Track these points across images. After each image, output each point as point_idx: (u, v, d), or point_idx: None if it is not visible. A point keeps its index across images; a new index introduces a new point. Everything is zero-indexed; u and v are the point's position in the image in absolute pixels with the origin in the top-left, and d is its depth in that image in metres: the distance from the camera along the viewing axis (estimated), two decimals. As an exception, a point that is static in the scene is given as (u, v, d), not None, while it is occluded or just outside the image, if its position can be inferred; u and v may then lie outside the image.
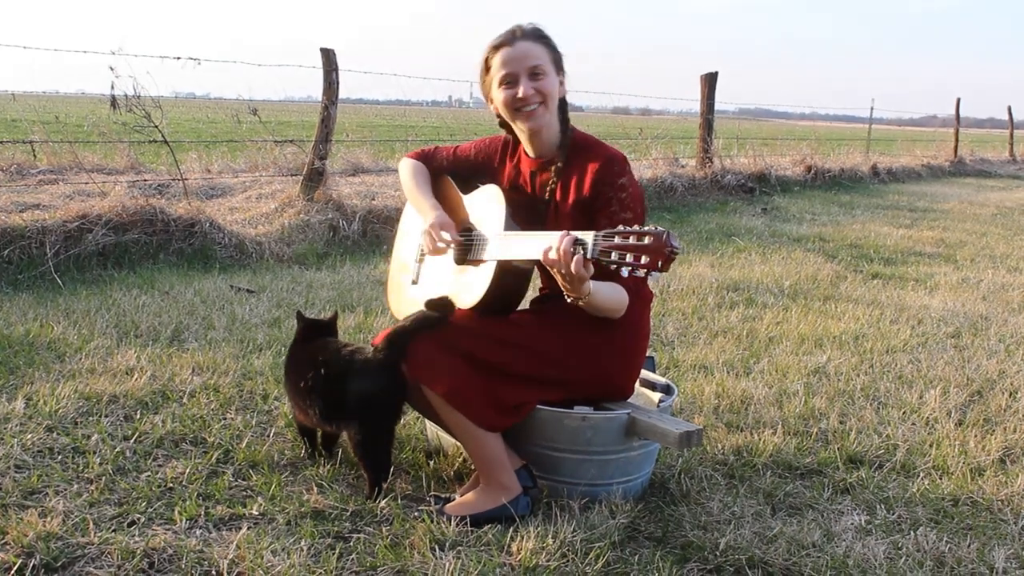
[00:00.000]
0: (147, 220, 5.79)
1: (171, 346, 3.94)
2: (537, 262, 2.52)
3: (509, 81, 2.64)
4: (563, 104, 2.73)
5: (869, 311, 5.27)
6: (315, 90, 7.46)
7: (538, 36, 2.66)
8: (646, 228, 2.18)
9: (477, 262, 2.66)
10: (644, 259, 2.15)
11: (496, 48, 2.65)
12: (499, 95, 2.66)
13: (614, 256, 2.20)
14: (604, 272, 2.33)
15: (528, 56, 2.62)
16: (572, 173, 2.66)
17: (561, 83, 2.70)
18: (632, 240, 2.18)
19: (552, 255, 2.33)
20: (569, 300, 2.45)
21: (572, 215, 2.61)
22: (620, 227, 2.23)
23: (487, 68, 2.69)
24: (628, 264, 2.17)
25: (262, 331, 4.25)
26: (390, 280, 3.07)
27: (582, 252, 2.27)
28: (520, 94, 2.61)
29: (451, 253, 2.75)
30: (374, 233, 6.94)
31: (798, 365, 4.11)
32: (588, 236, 2.28)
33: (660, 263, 2.13)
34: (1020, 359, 4.39)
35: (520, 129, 2.72)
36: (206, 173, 8.69)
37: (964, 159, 19.84)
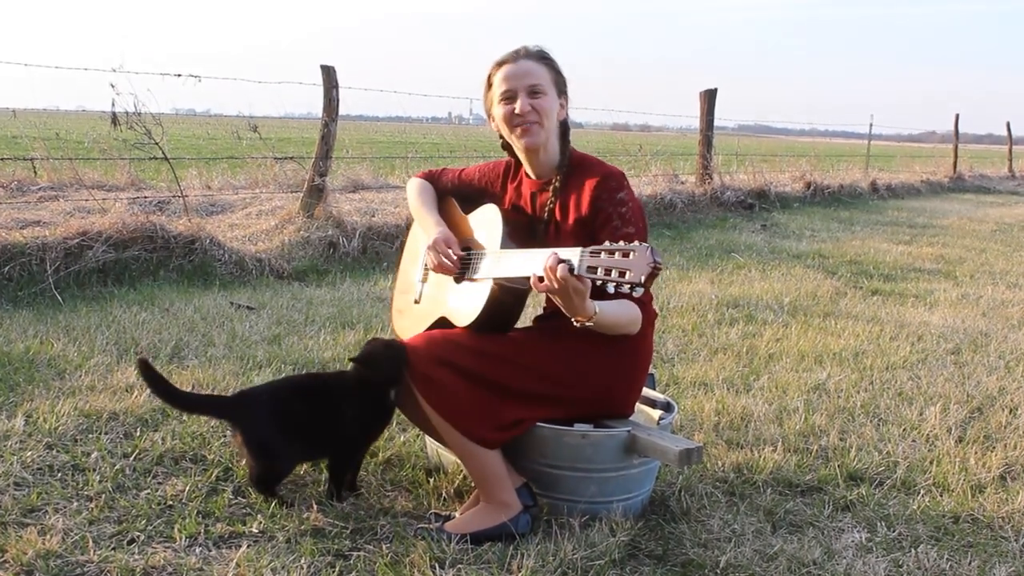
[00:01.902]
0: (147, 237, 5.80)
1: (171, 363, 3.94)
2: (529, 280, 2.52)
3: (508, 97, 2.68)
4: (564, 126, 2.75)
5: (869, 328, 5.27)
6: (315, 107, 7.49)
7: (541, 57, 2.70)
8: (630, 245, 2.18)
9: (474, 280, 2.68)
10: (628, 275, 2.16)
11: (499, 65, 2.71)
12: (498, 111, 2.71)
13: (600, 273, 2.21)
14: (603, 291, 2.32)
15: (528, 74, 2.66)
16: (571, 192, 2.67)
17: (562, 105, 2.73)
18: (617, 256, 2.19)
19: (540, 274, 2.33)
20: (577, 325, 2.42)
21: (573, 233, 2.62)
22: (606, 243, 2.25)
23: (489, 84, 2.74)
24: (613, 280, 2.18)
25: (262, 348, 4.25)
26: (394, 298, 3.08)
27: (568, 269, 2.28)
28: (517, 110, 2.65)
29: None
30: (374, 250, 6.95)
31: (798, 382, 4.11)
32: (575, 253, 2.29)
33: (643, 278, 2.14)
34: (1020, 375, 4.39)
35: (518, 148, 2.74)
36: (206, 190, 8.71)
37: (963, 175, 19.89)
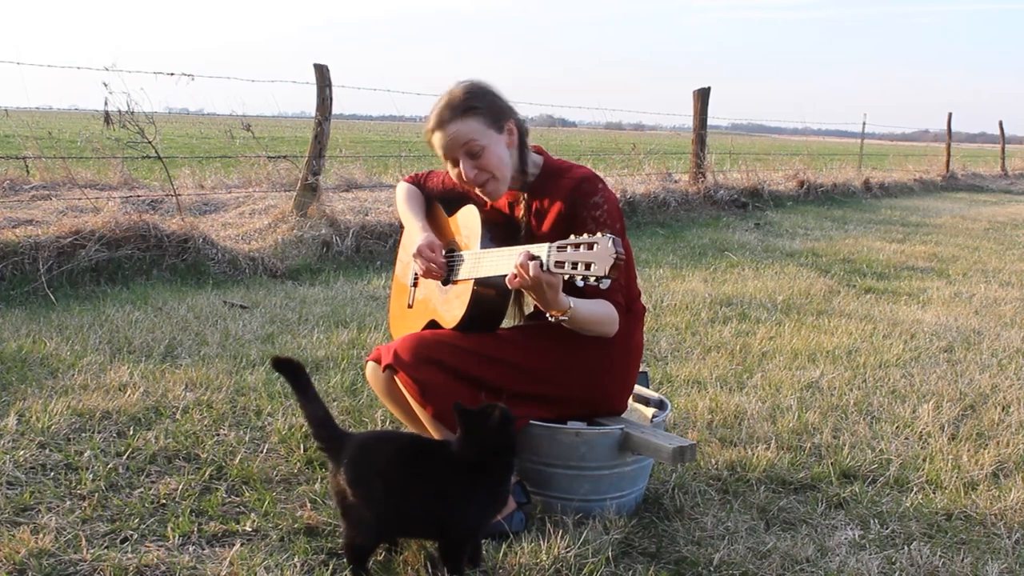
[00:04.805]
0: (140, 236, 5.79)
1: (164, 362, 3.93)
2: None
3: (452, 163, 2.64)
4: (521, 140, 2.67)
5: (862, 326, 5.28)
6: (309, 106, 7.48)
7: (464, 110, 2.57)
8: (593, 237, 2.22)
9: (458, 282, 2.70)
10: (593, 267, 2.20)
11: (431, 131, 2.63)
12: (451, 171, 2.67)
13: (567, 267, 2.25)
14: (580, 290, 2.35)
15: (459, 138, 2.57)
16: (546, 200, 2.67)
17: (510, 131, 2.63)
18: (582, 249, 2.23)
19: (513, 271, 2.35)
20: (551, 320, 2.45)
21: (551, 239, 2.61)
22: (571, 237, 2.27)
23: (431, 146, 2.68)
24: (580, 274, 2.22)
25: (255, 347, 4.24)
26: (391, 303, 3.10)
27: (538, 265, 2.31)
28: (464, 177, 2.61)
29: None
30: (367, 249, 6.94)
31: (791, 380, 4.12)
32: (543, 248, 2.32)
33: (607, 269, 2.17)
34: (1013, 373, 4.40)
35: None
36: (199, 189, 8.70)
37: (956, 174, 19.93)
